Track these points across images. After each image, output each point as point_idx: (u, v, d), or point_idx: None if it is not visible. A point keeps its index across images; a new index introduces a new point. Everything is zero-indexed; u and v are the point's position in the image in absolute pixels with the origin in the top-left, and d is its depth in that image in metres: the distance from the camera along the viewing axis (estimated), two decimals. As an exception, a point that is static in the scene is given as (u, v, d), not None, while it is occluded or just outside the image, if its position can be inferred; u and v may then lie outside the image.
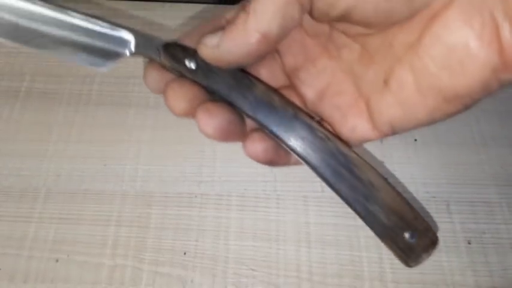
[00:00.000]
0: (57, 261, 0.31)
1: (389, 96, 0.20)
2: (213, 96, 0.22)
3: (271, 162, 0.22)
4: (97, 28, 0.22)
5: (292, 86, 0.23)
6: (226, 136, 0.21)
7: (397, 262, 0.30)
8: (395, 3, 0.17)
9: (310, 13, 0.19)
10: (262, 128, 0.22)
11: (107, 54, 0.22)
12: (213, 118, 0.21)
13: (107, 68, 0.22)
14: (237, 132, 0.22)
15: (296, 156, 0.21)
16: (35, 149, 0.35)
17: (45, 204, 0.33)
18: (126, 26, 0.22)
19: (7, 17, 0.22)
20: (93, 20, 0.22)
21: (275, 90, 0.22)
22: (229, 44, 0.20)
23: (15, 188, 0.33)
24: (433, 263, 0.31)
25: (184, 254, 0.31)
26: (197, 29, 0.23)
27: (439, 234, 0.31)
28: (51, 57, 0.39)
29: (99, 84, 0.38)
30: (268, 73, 0.23)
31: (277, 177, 0.34)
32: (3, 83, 0.38)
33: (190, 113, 0.21)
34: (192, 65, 0.21)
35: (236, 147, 0.22)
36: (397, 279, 0.30)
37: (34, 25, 0.22)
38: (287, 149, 0.21)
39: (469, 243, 0.31)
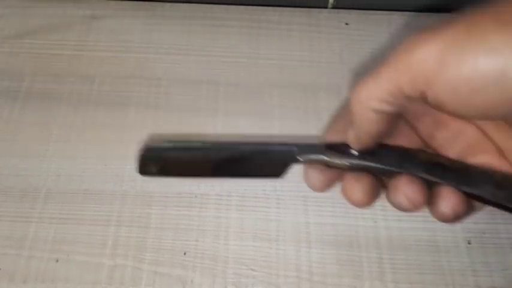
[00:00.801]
0: (57, 261, 0.31)
1: None
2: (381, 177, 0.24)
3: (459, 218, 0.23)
4: (267, 149, 0.26)
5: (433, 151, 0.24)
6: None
7: (397, 262, 0.31)
8: None
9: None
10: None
11: (277, 167, 0.26)
12: (416, 191, 0.22)
13: (281, 177, 0.26)
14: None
15: (480, 203, 0.22)
16: (35, 149, 0.35)
17: (45, 204, 0.33)
18: (288, 142, 0.26)
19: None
20: (263, 146, 0.27)
21: (437, 153, 0.23)
22: (359, 125, 0.21)
23: (15, 188, 0.33)
24: (433, 263, 0.31)
25: (184, 254, 0.31)
26: (333, 125, 0.26)
27: (438, 235, 0.31)
28: (56, 61, 0.40)
29: (99, 84, 0.38)
30: (406, 144, 0.24)
31: (277, 177, 0.34)
32: (3, 83, 0.38)
33: (368, 200, 0.23)
34: (353, 161, 0.24)
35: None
36: (397, 279, 0.30)
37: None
38: (475, 199, 0.22)
39: (469, 243, 0.31)
